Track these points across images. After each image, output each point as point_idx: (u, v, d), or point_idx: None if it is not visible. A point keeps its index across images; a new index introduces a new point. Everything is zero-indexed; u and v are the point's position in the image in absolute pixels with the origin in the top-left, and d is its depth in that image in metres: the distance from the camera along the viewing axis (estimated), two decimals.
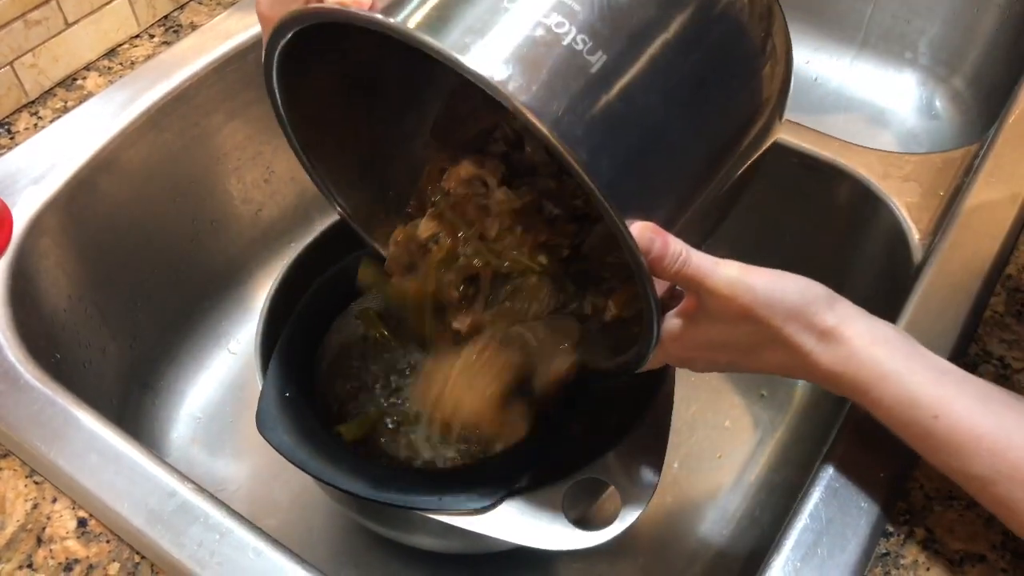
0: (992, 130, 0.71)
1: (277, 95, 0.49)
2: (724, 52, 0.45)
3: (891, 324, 0.45)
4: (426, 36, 0.38)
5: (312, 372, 0.62)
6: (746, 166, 0.48)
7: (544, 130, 0.37)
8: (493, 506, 0.50)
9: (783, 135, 0.73)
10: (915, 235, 0.66)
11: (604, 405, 0.63)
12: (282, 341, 0.59)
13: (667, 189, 0.44)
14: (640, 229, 0.40)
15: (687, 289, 0.45)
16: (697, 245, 0.43)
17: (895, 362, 0.43)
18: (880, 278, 0.70)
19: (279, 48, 0.45)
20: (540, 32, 0.39)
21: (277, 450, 0.52)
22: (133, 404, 0.75)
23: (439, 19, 0.39)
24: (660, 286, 0.43)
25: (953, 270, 0.60)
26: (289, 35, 0.44)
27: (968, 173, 0.68)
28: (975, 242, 0.61)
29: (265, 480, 0.74)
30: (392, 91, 0.56)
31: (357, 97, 0.55)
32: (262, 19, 0.50)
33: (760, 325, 0.43)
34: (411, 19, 0.39)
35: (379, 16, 0.39)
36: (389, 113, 0.57)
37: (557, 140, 0.37)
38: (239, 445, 0.76)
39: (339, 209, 0.58)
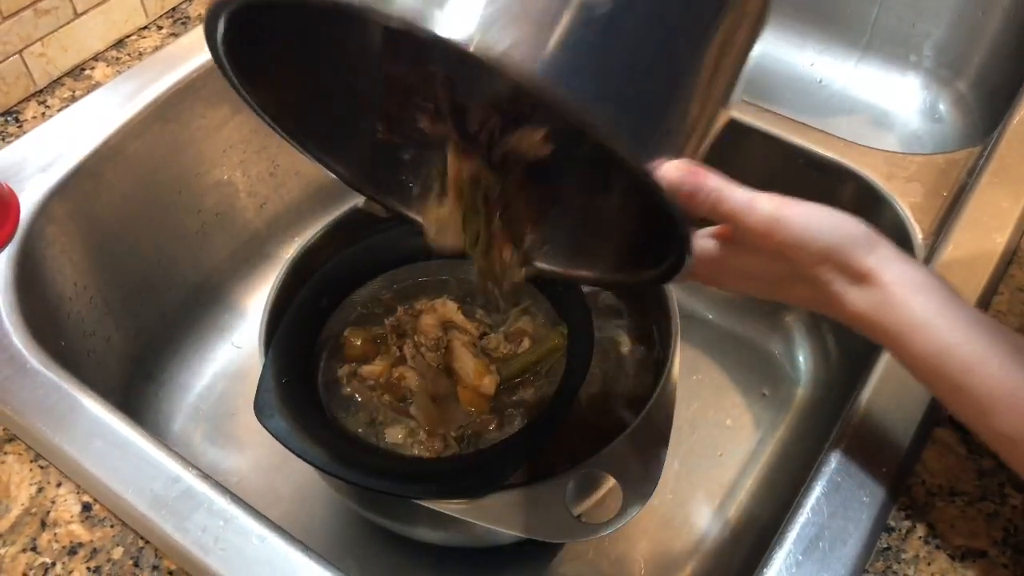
0: (996, 132, 0.71)
1: (224, 62, 0.45)
2: None
3: (928, 269, 0.43)
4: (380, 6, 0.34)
5: (312, 360, 0.62)
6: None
7: (570, 105, 0.34)
8: (486, 494, 0.50)
9: (789, 135, 0.73)
10: (918, 235, 0.66)
11: (606, 398, 0.64)
12: (281, 329, 0.59)
13: (681, 121, 0.41)
14: (670, 170, 0.38)
15: (722, 222, 0.44)
16: None
17: (930, 312, 0.41)
18: None
19: (221, 25, 0.42)
20: None
21: (273, 436, 0.52)
22: (136, 394, 0.75)
23: None
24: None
25: (956, 269, 0.60)
26: (225, 15, 0.41)
27: (971, 174, 0.68)
28: (978, 242, 0.62)
29: (267, 472, 0.74)
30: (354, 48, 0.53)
31: (324, 58, 0.52)
32: None
33: (792, 263, 0.42)
34: None
35: None
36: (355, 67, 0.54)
37: (584, 115, 0.34)
38: (241, 437, 0.76)
39: (335, 173, 0.56)
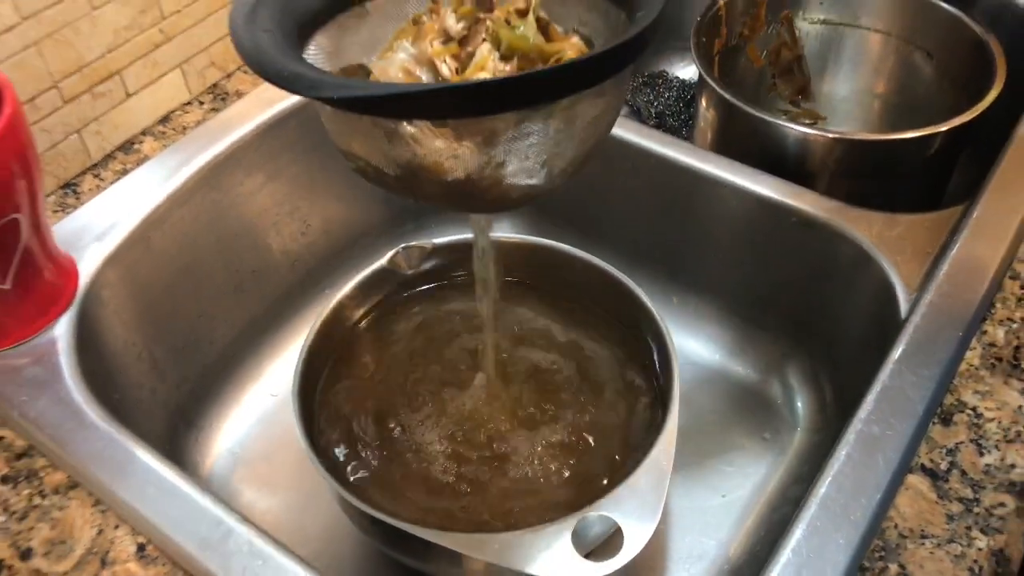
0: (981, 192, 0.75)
1: None
2: None
3: None
4: None
5: None
6: None
7: None
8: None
9: (783, 197, 0.78)
10: (903, 291, 0.70)
11: (608, 442, 0.68)
12: None
13: None
14: None
15: None
16: None
17: None
18: (870, 330, 0.75)
19: None
20: None
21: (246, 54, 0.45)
22: (179, 439, 0.81)
23: None
24: None
25: (933, 325, 0.64)
26: None
27: (954, 232, 0.73)
28: (955, 299, 0.66)
29: (297, 512, 0.79)
30: None
31: None
32: None
33: None
34: None
35: None
36: None
37: None
38: (275, 480, 0.81)
39: None
